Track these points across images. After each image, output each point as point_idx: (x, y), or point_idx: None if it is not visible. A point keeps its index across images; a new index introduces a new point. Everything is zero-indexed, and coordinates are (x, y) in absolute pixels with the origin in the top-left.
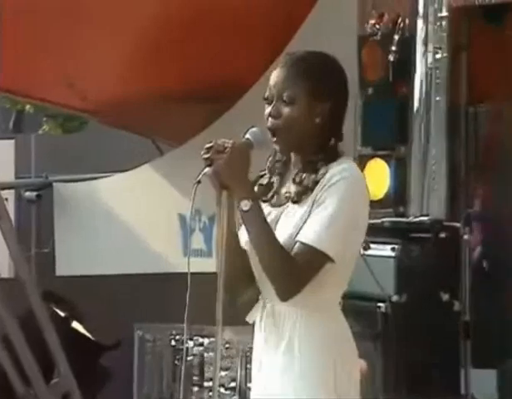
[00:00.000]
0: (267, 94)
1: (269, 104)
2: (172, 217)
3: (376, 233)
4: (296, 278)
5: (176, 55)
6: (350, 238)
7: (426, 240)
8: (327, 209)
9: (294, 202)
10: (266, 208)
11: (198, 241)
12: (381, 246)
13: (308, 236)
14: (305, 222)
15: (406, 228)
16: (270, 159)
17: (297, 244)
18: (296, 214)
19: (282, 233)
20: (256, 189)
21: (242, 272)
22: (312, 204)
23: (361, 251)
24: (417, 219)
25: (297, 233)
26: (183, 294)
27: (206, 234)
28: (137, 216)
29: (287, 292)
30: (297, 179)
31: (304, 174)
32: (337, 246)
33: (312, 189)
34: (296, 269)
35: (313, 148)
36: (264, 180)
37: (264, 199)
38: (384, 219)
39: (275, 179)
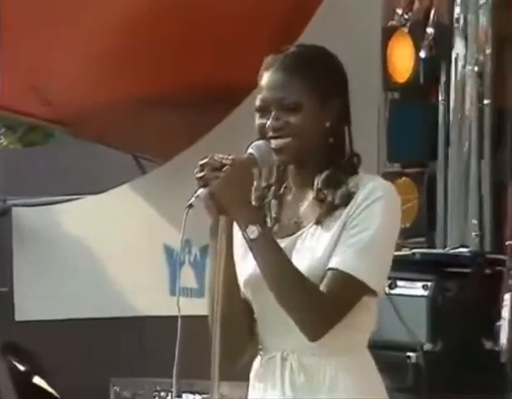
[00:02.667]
0: (259, 103)
1: (263, 115)
2: (156, 248)
3: (404, 267)
4: (327, 310)
5: (161, 57)
6: (388, 268)
7: (466, 276)
8: (365, 232)
9: (317, 223)
10: None
11: (187, 278)
12: (410, 283)
13: (345, 262)
14: (335, 247)
15: (440, 261)
16: (256, 183)
17: (330, 272)
18: (321, 237)
19: (302, 262)
20: None
21: (241, 320)
22: (343, 227)
23: (386, 289)
24: (455, 251)
25: (327, 260)
26: (169, 342)
27: (197, 270)
28: (113, 248)
29: (317, 328)
30: (321, 196)
31: (326, 191)
32: (377, 275)
33: (339, 206)
34: (327, 300)
35: (326, 158)
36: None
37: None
38: (414, 251)
39: (273, 204)
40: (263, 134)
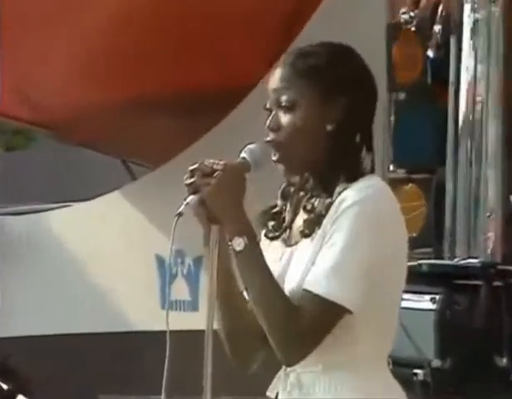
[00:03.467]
0: (268, 103)
1: (269, 115)
2: (148, 259)
3: (410, 279)
4: (302, 337)
5: (152, 58)
6: (374, 280)
7: (476, 289)
8: (335, 245)
9: (305, 236)
10: (279, 248)
11: (180, 290)
12: (417, 296)
13: (314, 282)
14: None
15: (449, 273)
16: (284, 184)
17: (303, 293)
18: (306, 251)
19: (293, 277)
20: (268, 223)
21: (248, 331)
22: (322, 240)
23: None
24: (464, 262)
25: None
26: (160, 358)
27: (191, 282)
28: (102, 258)
29: (291, 355)
30: (309, 207)
31: (318, 200)
32: (351, 293)
33: (324, 216)
34: (302, 324)
35: (327, 164)
36: (277, 211)
37: (274, 234)
38: (421, 262)
39: (288, 208)
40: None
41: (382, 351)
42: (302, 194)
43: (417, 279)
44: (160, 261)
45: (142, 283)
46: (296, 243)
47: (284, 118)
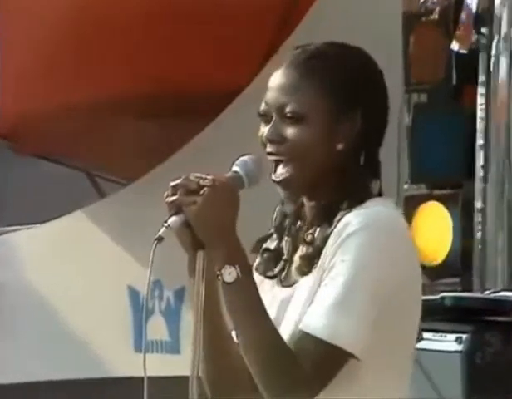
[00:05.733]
0: (263, 107)
1: (267, 122)
2: (118, 292)
3: (432, 315)
4: (300, 387)
5: (124, 53)
6: (383, 319)
7: (509, 326)
8: (336, 278)
9: (303, 274)
10: (274, 288)
11: (158, 328)
12: (440, 336)
13: (311, 323)
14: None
15: (479, 308)
16: (277, 209)
17: (300, 335)
18: (305, 290)
19: (289, 323)
20: (259, 259)
21: (236, 378)
22: (322, 273)
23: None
24: (497, 295)
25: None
26: None
27: (171, 319)
28: (62, 292)
29: None
30: (309, 238)
31: (317, 230)
32: (357, 335)
33: (322, 248)
34: (299, 375)
35: (332, 189)
36: (272, 244)
37: (270, 274)
38: (444, 295)
39: (286, 241)
40: (264, 146)
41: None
42: (299, 224)
43: (440, 315)
44: (134, 294)
45: (112, 320)
46: (295, 282)
47: (290, 130)
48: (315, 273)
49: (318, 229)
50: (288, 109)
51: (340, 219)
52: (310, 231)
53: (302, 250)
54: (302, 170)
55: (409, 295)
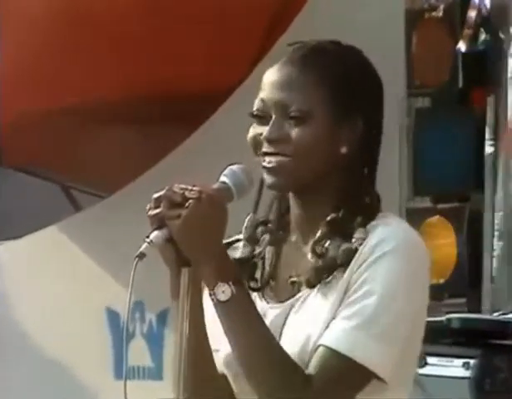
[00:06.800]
0: (259, 106)
1: (262, 121)
2: (96, 314)
3: (437, 338)
4: None
5: (103, 58)
6: (405, 344)
7: None
8: (367, 299)
9: (312, 286)
10: (257, 300)
11: (140, 353)
12: (445, 360)
13: (339, 339)
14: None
15: (487, 330)
16: (249, 217)
17: (321, 350)
18: (318, 304)
19: (293, 343)
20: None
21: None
22: (345, 293)
23: None
24: (506, 317)
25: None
26: None
27: (153, 343)
28: (36, 314)
29: None
30: (320, 250)
31: (329, 242)
32: (384, 357)
33: (342, 265)
34: (314, 388)
35: (335, 196)
36: (241, 253)
37: (254, 285)
38: (450, 316)
39: (268, 253)
40: (256, 148)
41: None
42: (281, 233)
43: (445, 338)
44: (113, 316)
45: (90, 344)
46: (291, 297)
47: (293, 129)
48: (335, 289)
49: (329, 242)
50: (292, 108)
51: (361, 239)
52: (323, 243)
53: (310, 261)
54: (303, 168)
55: (422, 317)
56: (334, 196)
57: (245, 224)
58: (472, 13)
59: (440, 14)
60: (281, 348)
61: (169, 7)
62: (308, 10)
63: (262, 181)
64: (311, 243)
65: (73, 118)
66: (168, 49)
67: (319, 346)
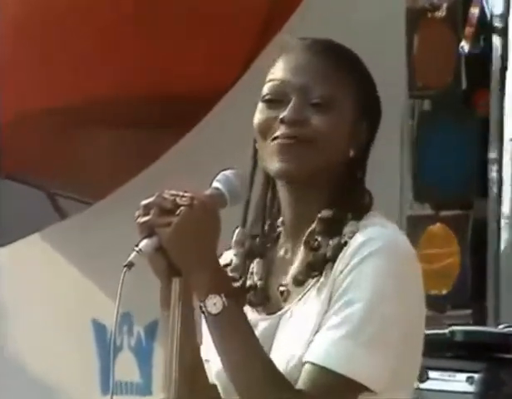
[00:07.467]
0: (273, 89)
1: (273, 106)
2: (81, 326)
3: (439, 352)
4: None
5: (90, 57)
6: (399, 350)
7: None
8: (352, 307)
9: (297, 283)
10: (249, 313)
11: (127, 368)
12: (448, 375)
13: (321, 352)
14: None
15: (492, 343)
16: (239, 230)
17: (307, 367)
18: (304, 315)
19: (282, 356)
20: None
21: None
22: (330, 299)
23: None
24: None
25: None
26: None
27: (142, 357)
28: (19, 325)
29: None
30: (313, 243)
31: (321, 237)
32: (376, 367)
33: (331, 261)
34: None
35: (329, 194)
36: (228, 261)
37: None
38: (453, 329)
39: (257, 263)
40: (267, 133)
41: None
42: (269, 246)
43: (448, 352)
44: (100, 329)
45: (75, 358)
46: (280, 309)
47: (315, 115)
48: (323, 293)
49: (321, 237)
50: (315, 93)
51: (352, 234)
52: (315, 238)
53: (302, 254)
54: (321, 157)
55: (419, 324)
56: (328, 194)
57: (234, 238)
58: (474, 11)
59: (443, 13)
60: (272, 364)
61: (160, 9)
62: (303, 9)
63: (249, 193)
64: (301, 248)
65: (59, 121)
66: (159, 51)
67: (306, 361)
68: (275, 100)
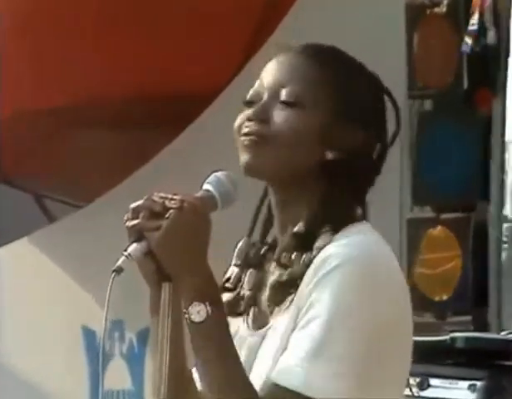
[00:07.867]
0: (253, 92)
1: (250, 107)
2: (71, 333)
3: (441, 359)
4: None
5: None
6: (368, 365)
7: None
8: (314, 320)
9: (276, 303)
10: (241, 328)
11: (118, 375)
12: (450, 382)
13: (284, 371)
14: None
15: (494, 350)
16: (244, 240)
17: (269, 386)
18: (280, 328)
19: (259, 374)
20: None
21: None
22: (298, 312)
23: (415, 391)
24: None
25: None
26: None
27: (133, 364)
28: (8, 330)
29: None
30: (284, 260)
31: (294, 254)
32: (339, 384)
33: (301, 278)
34: None
35: (312, 202)
36: (230, 275)
37: (238, 310)
38: (454, 335)
39: (250, 276)
40: (238, 131)
41: None
42: (262, 254)
43: (449, 359)
44: (89, 335)
45: (64, 366)
46: (265, 324)
47: (280, 112)
48: (289, 312)
49: (295, 254)
50: (285, 90)
51: (321, 248)
52: (288, 254)
53: (275, 275)
54: (283, 157)
55: (398, 335)
56: (306, 204)
57: (240, 248)
58: (477, 7)
59: (444, 10)
60: (249, 384)
61: (156, 9)
62: (298, 9)
63: (261, 201)
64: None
65: (48, 122)
66: (154, 51)
67: (267, 378)
68: (252, 102)
